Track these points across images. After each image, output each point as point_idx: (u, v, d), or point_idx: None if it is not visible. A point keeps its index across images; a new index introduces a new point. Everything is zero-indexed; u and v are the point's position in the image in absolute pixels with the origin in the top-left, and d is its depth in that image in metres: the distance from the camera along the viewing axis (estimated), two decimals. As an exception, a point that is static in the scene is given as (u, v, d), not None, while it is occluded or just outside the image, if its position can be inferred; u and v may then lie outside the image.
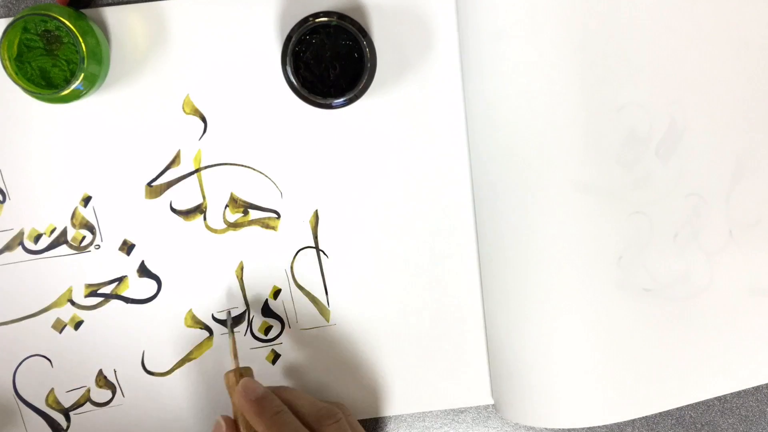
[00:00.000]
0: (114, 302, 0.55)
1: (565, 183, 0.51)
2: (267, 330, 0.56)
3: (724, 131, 0.53)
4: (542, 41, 0.50)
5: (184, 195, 0.54)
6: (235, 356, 0.52)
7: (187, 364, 0.55)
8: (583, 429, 0.58)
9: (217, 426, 0.50)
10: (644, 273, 0.53)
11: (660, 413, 0.57)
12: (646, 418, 0.58)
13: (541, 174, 0.51)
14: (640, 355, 0.53)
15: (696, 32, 0.52)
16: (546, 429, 0.58)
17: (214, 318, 0.55)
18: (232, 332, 0.53)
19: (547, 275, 0.52)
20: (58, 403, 0.55)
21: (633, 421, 0.58)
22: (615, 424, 0.58)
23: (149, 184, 0.54)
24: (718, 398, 0.58)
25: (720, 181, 0.54)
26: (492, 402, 0.57)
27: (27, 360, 0.55)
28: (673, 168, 0.53)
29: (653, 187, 0.53)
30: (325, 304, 0.55)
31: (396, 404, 0.57)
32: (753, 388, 0.58)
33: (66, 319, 0.55)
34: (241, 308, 0.55)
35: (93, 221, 0.54)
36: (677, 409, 0.58)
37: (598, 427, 0.58)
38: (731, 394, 0.58)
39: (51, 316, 0.55)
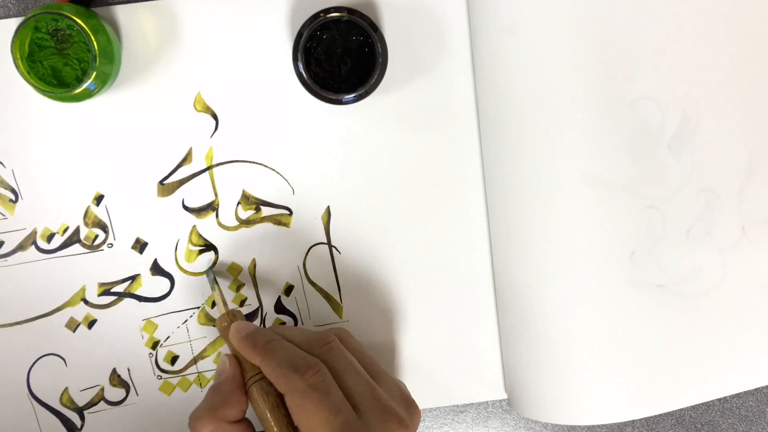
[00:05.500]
0: (127, 301, 0.55)
1: (578, 177, 0.51)
2: (280, 327, 0.56)
3: (737, 126, 0.53)
4: (554, 35, 0.50)
5: (196, 192, 0.54)
6: (224, 303, 0.52)
7: (200, 362, 0.55)
8: (582, 428, 0.58)
9: (221, 363, 0.49)
10: (657, 268, 0.53)
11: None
12: (646, 417, 0.57)
13: (553, 168, 0.51)
14: (652, 351, 0.53)
15: (709, 26, 0.52)
16: (553, 425, 0.58)
17: (227, 315, 0.55)
18: (216, 284, 0.53)
19: (559, 270, 0.52)
20: (72, 402, 0.55)
21: (633, 420, 0.57)
22: (615, 423, 0.57)
23: (161, 182, 0.54)
24: (718, 398, 0.57)
25: (733, 176, 0.53)
26: (503, 397, 0.57)
27: (41, 359, 0.55)
28: (685, 163, 0.53)
29: (666, 181, 0.53)
30: (338, 300, 0.55)
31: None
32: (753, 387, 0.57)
33: (79, 318, 0.55)
34: (254, 305, 0.55)
35: (105, 220, 0.54)
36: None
37: (598, 426, 0.57)
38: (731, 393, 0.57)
39: (64, 315, 0.55)
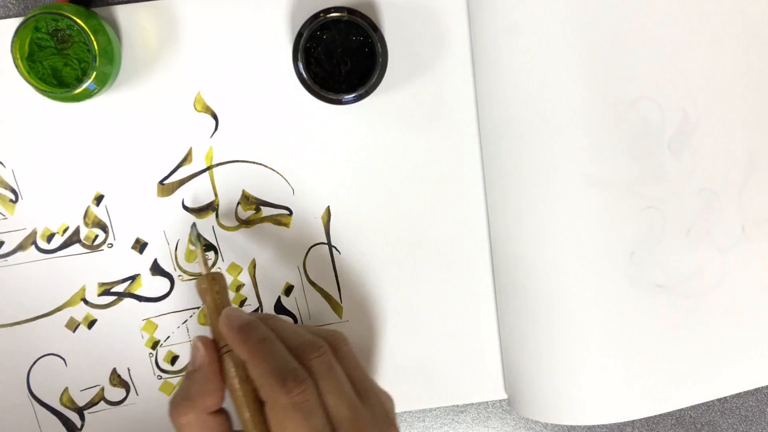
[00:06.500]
0: (127, 301, 0.55)
1: (578, 177, 0.51)
2: (280, 327, 0.56)
3: (737, 126, 0.53)
4: (554, 35, 0.50)
5: (196, 193, 0.54)
6: (205, 264, 0.50)
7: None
8: (582, 428, 0.58)
9: (194, 348, 0.47)
10: (657, 268, 0.53)
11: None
12: (646, 417, 0.57)
13: (553, 168, 0.51)
14: (652, 351, 0.53)
15: (709, 26, 0.52)
16: (553, 425, 0.58)
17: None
18: (200, 241, 0.52)
19: (559, 270, 0.52)
20: (73, 402, 0.55)
21: (633, 420, 0.57)
22: (615, 423, 0.57)
23: (161, 182, 0.54)
24: (718, 398, 0.57)
25: (733, 176, 0.53)
26: (503, 397, 0.57)
27: (41, 359, 0.55)
28: (685, 162, 0.53)
29: (666, 181, 0.53)
30: (338, 300, 0.55)
31: (408, 400, 0.57)
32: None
33: (79, 318, 0.55)
34: (254, 305, 0.55)
35: (105, 220, 0.54)
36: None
37: (598, 426, 0.57)
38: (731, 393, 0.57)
39: (64, 315, 0.55)
